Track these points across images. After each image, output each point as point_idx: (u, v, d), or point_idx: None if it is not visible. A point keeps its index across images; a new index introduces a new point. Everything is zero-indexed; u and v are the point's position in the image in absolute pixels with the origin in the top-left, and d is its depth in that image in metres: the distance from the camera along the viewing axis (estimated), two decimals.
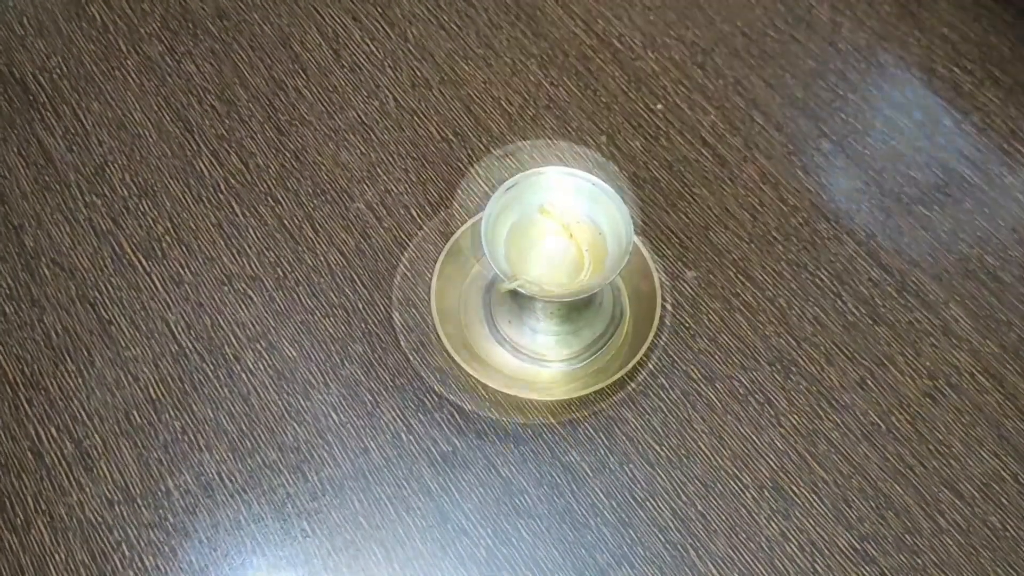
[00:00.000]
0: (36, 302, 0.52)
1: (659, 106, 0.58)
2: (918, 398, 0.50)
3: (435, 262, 0.51)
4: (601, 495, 0.47)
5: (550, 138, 0.56)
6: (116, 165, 0.55)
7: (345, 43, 0.60)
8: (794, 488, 0.48)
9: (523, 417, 0.49)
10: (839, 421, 0.49)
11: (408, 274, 0.53)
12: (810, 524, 0.47)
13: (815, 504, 0.47)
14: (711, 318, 0.52)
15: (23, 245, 0.53)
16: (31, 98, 0.57)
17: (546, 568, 0.46)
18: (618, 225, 0.47)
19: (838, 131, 0.57)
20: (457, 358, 0.49)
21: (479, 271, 0.52)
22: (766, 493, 0.47)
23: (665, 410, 0.49)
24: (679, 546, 0.46)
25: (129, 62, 0.59)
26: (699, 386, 0.50)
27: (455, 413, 0.49)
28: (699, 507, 0.47)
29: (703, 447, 0.49)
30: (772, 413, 0.49)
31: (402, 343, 0.51)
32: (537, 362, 0.50)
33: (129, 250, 0.53)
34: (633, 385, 0.50)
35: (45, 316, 0.51)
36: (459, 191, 0.55)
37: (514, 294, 0.49)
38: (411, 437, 0.49)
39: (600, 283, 0.45)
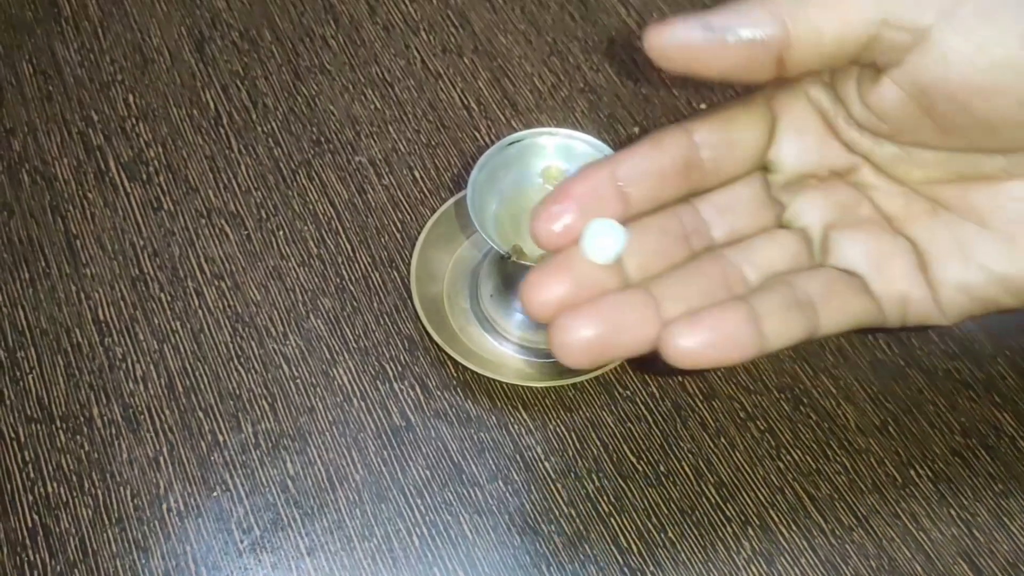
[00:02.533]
0: (7, 205, 0.49)
1: (703, 106, 0.53)
2: (945, 455, 0.43)
3: (425, 225, 0.47)
4: (561, 501, 0.42)
5: (579, 121, 0.52)
6: (123, 86, 0.53)
7: (383, 1, 0.57)
8: (783, 531, 0.41)
9: (490, 403, 0.44)
10: (848, 465, 0.42)
11: (396, 235, 0.48)
12: (796, 574, 0.40)
13: (805, 553, 0.41)
14: None
15: (10, 148, 0.50)
16: (56, 11, 0.56)
17: (482, 570, 0.40)
18: None
19: None
20: (429, 328, 0.44)
21: (468, 243, 0.48)
22: (750, 531, 0.41)
23: (651, 421, 0.44)
24: (638, 571, 0.40)
25: None
26: (694, 402, 0.44)
27: (416, 387, 0.44)
28: (670, 533, 0.41)
29: (686, 468, 0.42)
30: (772, 444, 0.43)
31: (375, 305, 0.46)
32: (515, 346, 0.45)
33: (114, 169, 0.50)
34: (620, 389, 0.44)
35: (12, 220, 0.48)
36: (469, 159, 0.50)
37: (501, 268, 0.44)
38: (363, 404, 0.44)
39: None
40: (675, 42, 0.31)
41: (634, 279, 0.33)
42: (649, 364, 0.44)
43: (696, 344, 0.31)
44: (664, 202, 0.34)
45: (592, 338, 0.31)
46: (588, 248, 0.31)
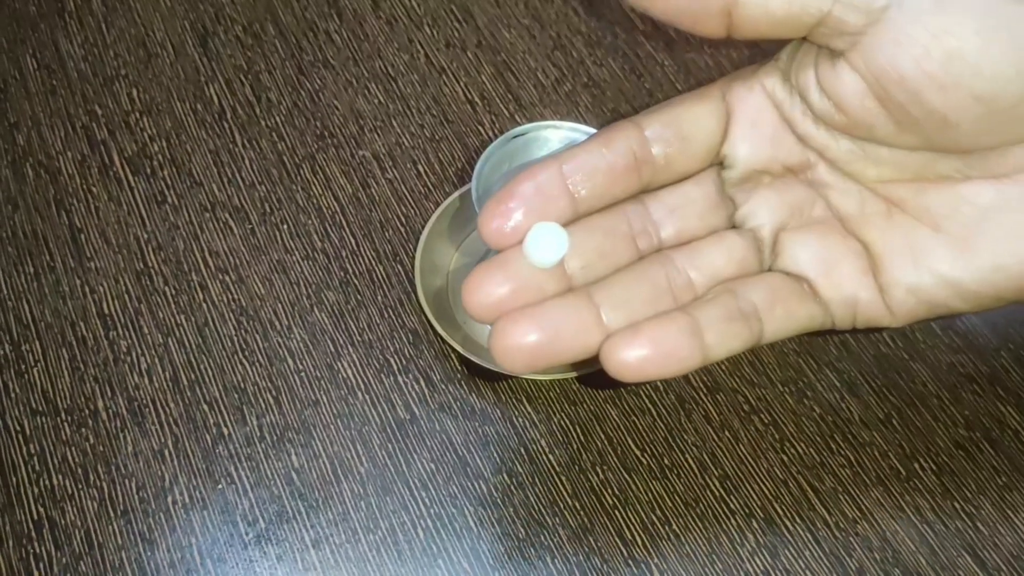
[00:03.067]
0: (12, 199, 0.49)
1: None
2: (949, 448, 0.43)
3: (429, 218, 0.47)
4: (565, 494, 0.42)
5: (582, 115, 0.52)
6: (126, 80, 0.53)
7: None
8: (788, 524, 0.41)
9: (495, 397, 0.44)
10: (852, 458, 0.43)
11: (400, 229, 0.48)
12: (800, 567, 0.40)
13: (810, 546, 0.41)
14: None
15: (14, 142, 0.51)
16: (60, 5, 0.56)
17: (487, 563, 0.40)
18: None
19: None
20: (433, 321, 0.44)
21: (473, 236, 0.48)
22: (755, 524, 0.41)
23: (655, 414, 0.44)
24: (643, 564, 0.40)
25: None
26: (698, 395, 0.44)
27: (421, 380, 0.44)
28: (674, 526, 0.41)
29: (691, 461, 0.42)
30: (776, 437, 0.43)
31: (379, 298, 0.46)
32: None
33: (119, 163, 0.50)
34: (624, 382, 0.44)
35: (17, 214, 0.48)
36: (473, 153, 0.51)
37: None
38: (368, 397, 0.44)
39: None
40: None
41: (578, 281, 0.33)
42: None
43: (637, 357, 0.31)
44: (615, 199, 0.34)
45: (532, 344, 0.31)
46: (530, 251, 0.31)
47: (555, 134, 0.42)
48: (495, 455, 0.42)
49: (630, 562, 0.40)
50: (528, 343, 0.31)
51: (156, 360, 0.44)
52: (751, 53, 0.54)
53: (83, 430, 0.43)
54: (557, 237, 0.32)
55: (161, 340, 0.45)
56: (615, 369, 0.31)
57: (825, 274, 0.35)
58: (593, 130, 0.42)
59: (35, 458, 0.42)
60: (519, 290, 0.32)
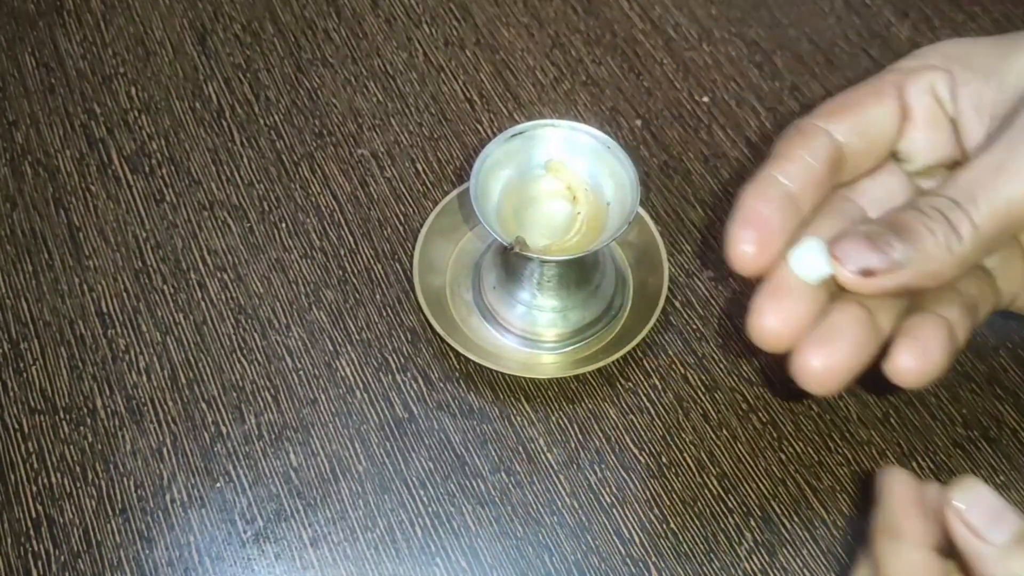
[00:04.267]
0: (10, 197, 0.49)
1: (705, 99, 0.53)
2: (947, 447, 0.43)
3: (428, 217, 0.47)
4: (564, 493, 0.42)
5: (581, 114, 0.52)
6: (125, 78, 0.53)
7: None
8: (786, 523, 0.41)
9: (493, 395, 0.44)
10: (851, 457, 0.43)
11: (399, 228, 0.48)
12: (797, 566, 0.40)
13: (808, 544, 0.41)
14: (723, 323, 0.46)
15: (13, 141, 0.51)
16: (59, 3, 0.56)
17: (485, 561, 0.40)
18: (625, 197, 0.42)
19: None
20: (431, 320, 0.44)
21: (471, 235, 0.48)
22: (752, 522, 0.41)
23: (653, 413, 0.44)
24: (640, 562, 0.40)
25: None
26: (697, 394, 0.44)
27: (419, 379, 0.44)
28: (672, 524, 0.41)
29: (688, 460, 0.43)
30: (774, 436, 0.43)
31: (377, 297, 0.46)
32: (518, 338, 0.45)
33: (117, 161, 0.50)
34: (622, 381, 0.44)
35: (16, 213, 0.48)
36: (471, 151, 0.51)
37: (504, 260, 0.44)
38: (366, 396, 0.44)
39: (584, 250, 0.40)
40: None
41: (833, 288, 0.34)
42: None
43: (918, 364, 0.33)
44: (820, 202, 0.36)
45: (835, 367, 0.33)
46: (802, 270, 0.32)
47: (554, 132, 0.42)
48: (493, 454, 0.43)
49: (628, 560, 0.40)
50: (831, 367, 0.33)
51: (154, 358, 0.44)
52: (749, 51, 0.54)
53: (81, 428, 0.43)
54: (822, 251, 0.33)
55: (159, 338, 0.45)
56: (899, 376, 0.34)
57: (1002, 267, 0.36)
58: (592, 129, 0.42)
59: (33, 456, 0.42)
60: (802, 312, 0.33)
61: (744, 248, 0.34)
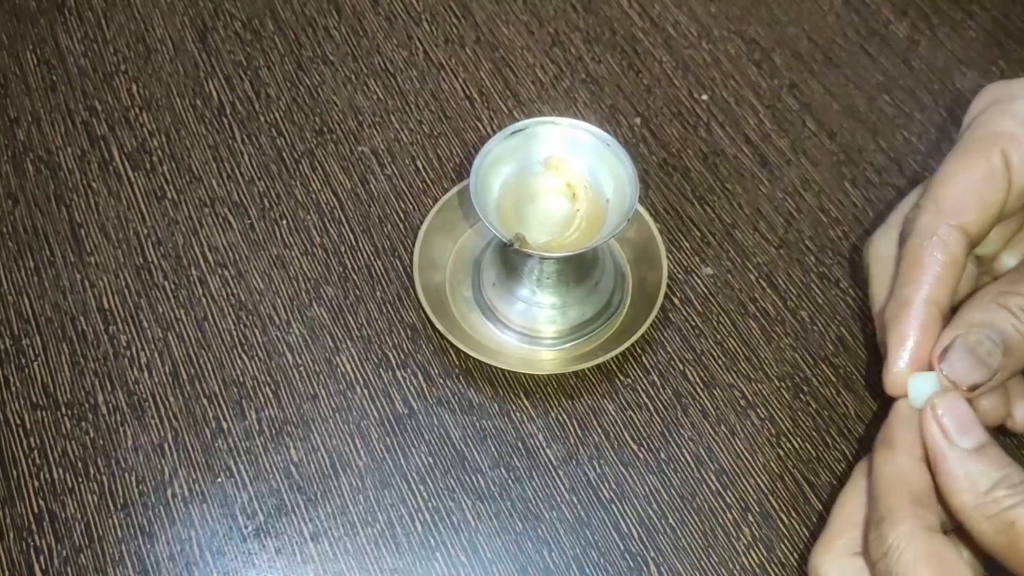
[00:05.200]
0: (12, 194, 0.49)
1: (704, 96, 0.53)
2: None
3: (428, 214, 0.47)
4: (563, 488, 0.42)
5: (580, 112, 0.52)
6: (126, 75, 0.53)
7: None
8: (783, 518, 0.41)
9: (492, 391, 0.44)
10: (848, 452, 0.43)
11: (399, 225, 0.49)
12: (795, 561, 0.40)
13: (805, 539, 0.41)
14: (722, 320, 0.46)
15: (14, 138, 0.51)
16: (60, 1, 0.56)
17: (484, 556, 0.40)
18: (624, 194, 0.42)
19: (897, 148, 0.51)
20: (431, 316, 0.44)
21: (471, 232, 0.48)
22: (751, 518, 0.41)
23: (652, 409, 0.44)
24: (639, 557, 0.40)
25: None
26: (695, 390, 0.44)
27: (419, 375, 0.44)
28: (670, 520, 0.41)
29: (687, 455, 0.43)
30: (772, 432, 0.43)
31: (377, 293, 0.47)
32: (517, 334, 0.45)
33: (118, 158, 0.50)
34: (621, 377, 0.45)
35: (17, 209, 0.49)
36: (471, 149, 0.51)
37: (503, 257, 0.45)
38: (367, 392, 0.44)
39: (583, 246, 0.41)
40: None
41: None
42: None
43: None
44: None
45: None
46: (916, 400, 0.36)
47: (554, 130, 0.43)
48: (493, 449, 0.43)
49: (627, 555, 0.40)
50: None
51: (156, 355, 0.45)
52: (748, 49, 0.55)
53: (83, 424, 0.43)
54: (934, 383, 0.36)
55: (161, 335, 0.45)
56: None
57: None
58: (592, 126, 0.42)
59: (35, 452, 0.42)
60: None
61: (900, 370, 0.36)
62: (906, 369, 0.36)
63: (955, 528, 0.34)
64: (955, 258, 0.37)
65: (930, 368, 0.36)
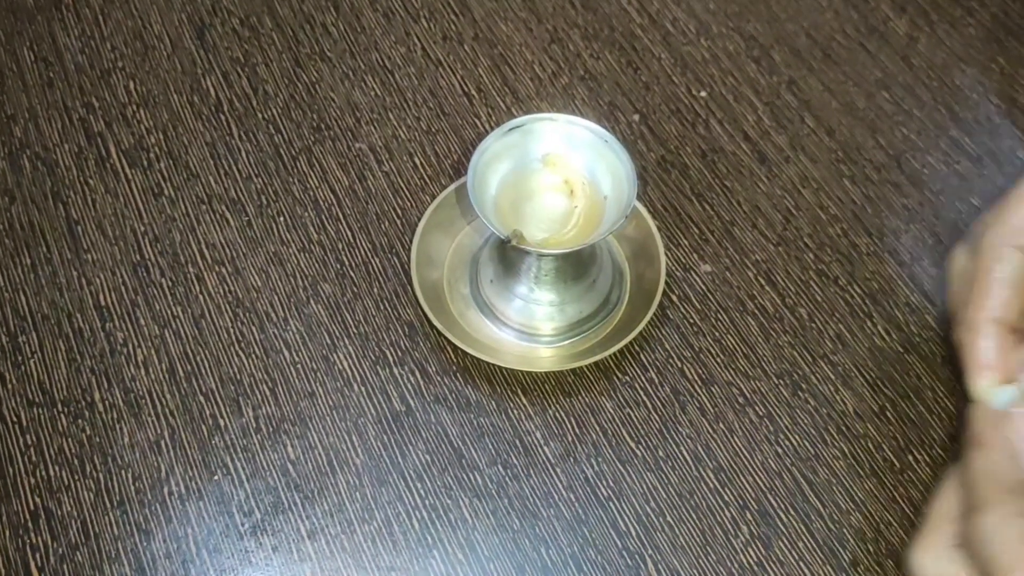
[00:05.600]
0: (8, 191, 0.49)
1: (703, 93, 0.53)
2: (943, 441, 0.43)
3: (425, 211, 0.47)
4: (560, 486, 0.42)
5: (579, 108, 0.52)
6: (123, 72, 0.53)
7: None
8: (782, 516, 0.41)
9: (490, 388, 0.44)
10: (847, 450, 0.43)
11: (397, 222, 0.48)
12: (793, 558, 0.40)
13: (803, 537, 0.41)
14: (720, 318, 0.46)
15: (11, 135, 0.51)
16: None
17: (481, 553, 0.40)
18: (623, 191, 0.42)
19: (896, 145, 0.51)
20: (429, 313, 0.44)
21: (469, 229, 0.48)
22: (748, 516, 0.41)
23: (650, 407, 0.44)
24: (637, 555, 0.40)
25: None
26: (693, 387, 0.44)
27: (416, 372, 0.44)
28: (668, 518, 0.41)
29: (685, 453, 0.43)
30: (771, 430, 0.43)
31: (375, 291, 0.46)
32: (515, 331, 0.45)
33: (115, 155, 0.50)
34: (619, 375, 0.44)
35: (14, 206, 0.48)
36: (469, 146, 0.51)
37: (501, 254, 0.45)
38: (363, 389, 0.44)
39: (581, 243, 0.41)
40: None
41: None
42: None
43: None
44: None
45: None
46: (1001, 406, 0.37)
47: (552, 127, 0.43)
48: (490, 447, 0.43)
49: (624, 553, 0.40)
50: None
51: (153, 352, 0.45)
52: (747, 45, 0.55)
53: (79, 421, 0.43)
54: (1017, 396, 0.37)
55: (158, 332, 0.45)
56: None
57: None
58: (590, 123, 0.42)
59: (31, 449, 0.42)
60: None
61: (979, 387, 0.37)
62: (986, 386, 0.37)
63: None
64: (1019, 277, 0.38)
65: (1008, 380, 0.37)
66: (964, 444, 0.37)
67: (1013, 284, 0.38)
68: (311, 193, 0.49)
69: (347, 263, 0.47)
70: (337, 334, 0.45)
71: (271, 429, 0.43)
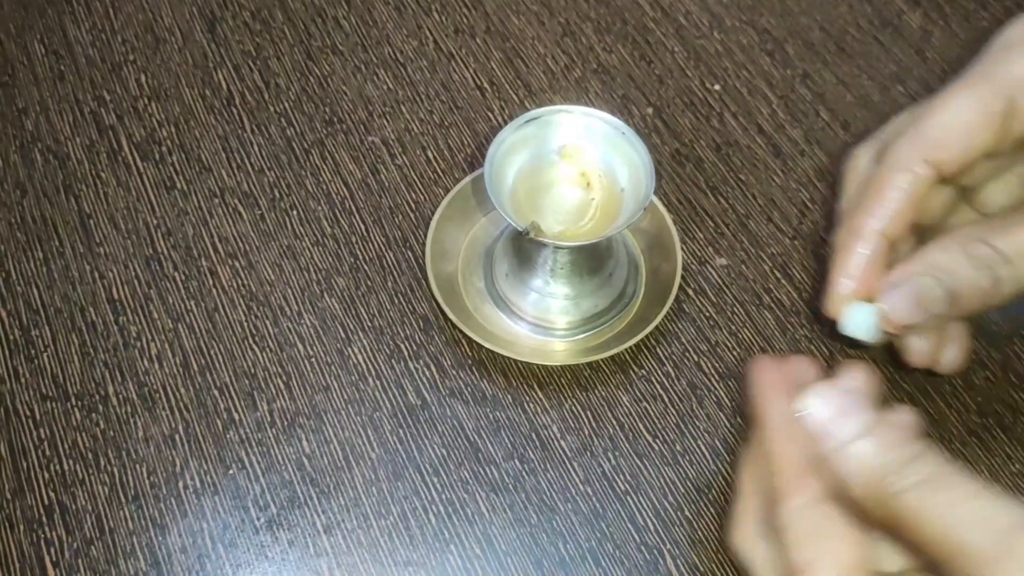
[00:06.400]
0: (20, 184, 0.49)
1: (717, 87, 0.53)
2: (963, 435, 0.43)
3: (439, 204, 0.47)
4: (578, 480, 0.42)
5: (592, 101, 0.52)
6: (135, 65, 0.53)
7: None
8: None
9: (506, 382, 0.44)
10: None
11: (410, 215, 0.48)
12: None
13: None
14: (736, 311, 0.46)
15: (22, 128, 0.50)
16: None
17: (499, 548, 0.40)
18: (640, 184, 0.42)
19: None
20: (444, 306, 0.44)
21: (485, 222, 0.47)
22: None
23: (667, 401, 0.43)
24: (655, 550, 0.40)
25: None
26: (710, 381, 0.44)
27: (431, 366, 0.44)
28: (687, 512, 0.41)
29: (703, 447, 0.42)
30: None
31: (389, 284, 0.46)
32: (530, 325, 0.45)
33: (127, 148, 0.50)
34: (635, 369, 0.44)
35: (26, 200, 0.48)
36: (482, 139, 0.50)
37: (516, 248, 0.44)
38: (379, 383, 0.44)
39: (598, 235, 0.40)
40: None
41: None
42: None
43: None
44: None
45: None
46: (851, 329, 0.36)
47: (568, 118, 0.42)
48: (506, 441, 0.42)
49: (642, 547, 0.40)
50: None
51: (166, 346, 0.44)
52: (760, 39, 0.54)
53: (93, 415, 0.43)
54: (873, 315, 0.35)
55: (171, 326, 0.45)
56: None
57: None
58: (607, 115, 0.42)
59: (45, 443, 0.42)
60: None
61: (839, 295, 0.36)
62: (848, 295, 0.35)
63: None
64: (918, 195, 0.35)
65: (869, 299, 0.35)
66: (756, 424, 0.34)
67: (910, 199, 0.35)
68: (324, 186, 0.49)
69: (361, 256, 0.47)
70: (352, 328, 0.45)
71: (286, 423, 0.43)
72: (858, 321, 0.34)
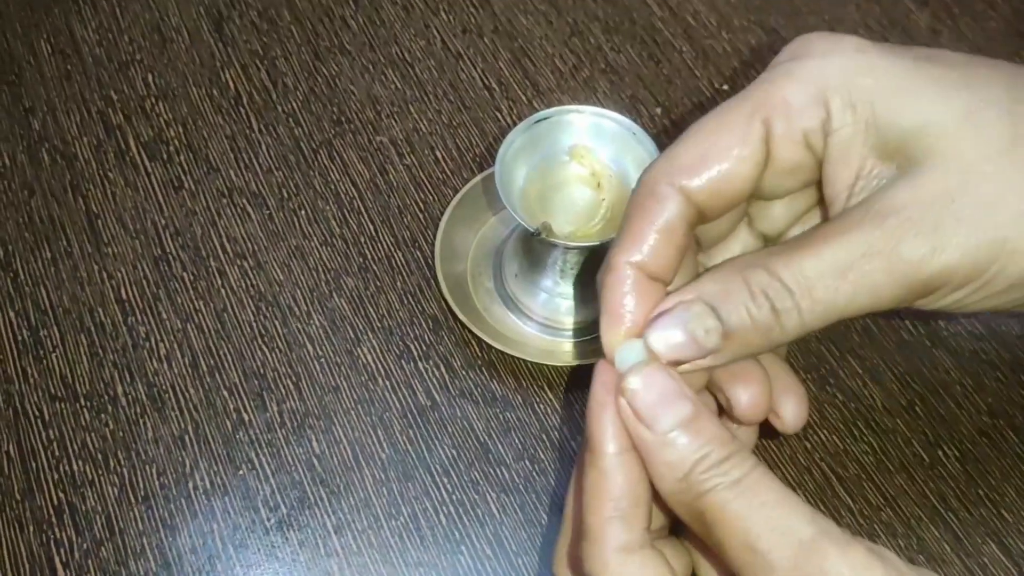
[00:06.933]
0: (28, 184, 0.48)
1: (725, 86, 0.52)
2: (973, 435, 0.43)
3: (449, 204, 0.47)
4: None
5: (600, 101, 0.52)
6: (142, 65, 0.53)
7: None
8: None
9: (516, 382, 0.44)
10: (876, 445, 0.42)
11: (419, 215, 0.48)
12: None
13: None
14: None
15: (29, 127, 0.50)
16: None
17: (509, 548, 0.40)
18: None
19: None
20: (454, 307, 0.44)
21: (494, 222, 0.47)
22: None
23: None
24: None
25: None
26: None
27: (441, 366, 0.44)
28: None
29: None
30: None
31: (398, 284, 0.46)
32: (540, 325, 0.45)
33: (135, 148, 0.50)
34: None
35: (33, 200, 0.48)
36: (491, 139, 0.50)
37: (526, 248, 0.44)
38: (388, 383, 0.43)
39: (609, 236, 0.40)
40: None
41: None
42: None
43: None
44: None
45: None
46: (624, 366, 0.31)
47: (579, 118, 0.42)
48: (517, 441, 0.42)
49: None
50: None
51: (175, 346, 0.44)
52: (769, 39, 0.54)
53: (102, 416, 0.42)
54: (643, 351, 0.31)
55: (180, 326, 0.45)
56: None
57: None
58: (617, 115, 0.42)
59: (55, 444, 0.42)
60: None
61: (608, 340, 0.32)
62: (615, 333, 0.31)
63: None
64: (671, 224, 0.31)
65: (636, 334, 0.31)
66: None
67: (664, 227, 0.31)
68: (332, 186, 0.49)
69: (370, 257, 0.47)
70: (361, 328, 0.45)
71: (295, 424, 0.42)
72: (631, 361, 0.31)
